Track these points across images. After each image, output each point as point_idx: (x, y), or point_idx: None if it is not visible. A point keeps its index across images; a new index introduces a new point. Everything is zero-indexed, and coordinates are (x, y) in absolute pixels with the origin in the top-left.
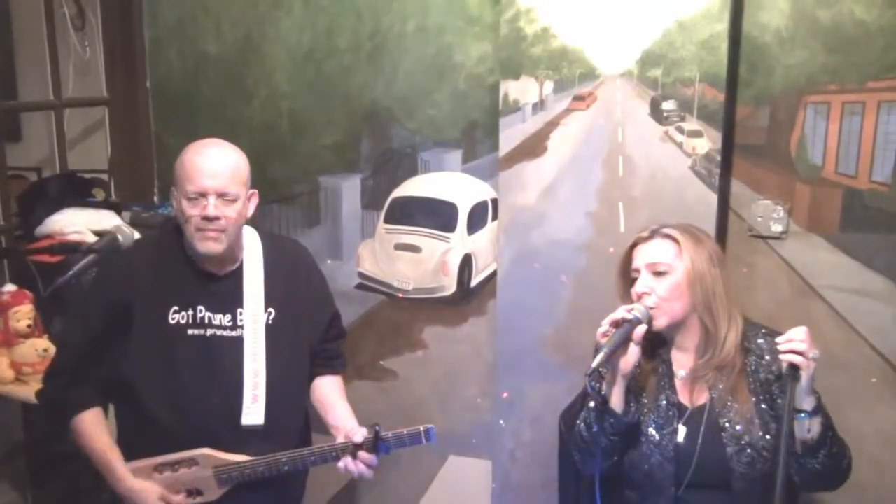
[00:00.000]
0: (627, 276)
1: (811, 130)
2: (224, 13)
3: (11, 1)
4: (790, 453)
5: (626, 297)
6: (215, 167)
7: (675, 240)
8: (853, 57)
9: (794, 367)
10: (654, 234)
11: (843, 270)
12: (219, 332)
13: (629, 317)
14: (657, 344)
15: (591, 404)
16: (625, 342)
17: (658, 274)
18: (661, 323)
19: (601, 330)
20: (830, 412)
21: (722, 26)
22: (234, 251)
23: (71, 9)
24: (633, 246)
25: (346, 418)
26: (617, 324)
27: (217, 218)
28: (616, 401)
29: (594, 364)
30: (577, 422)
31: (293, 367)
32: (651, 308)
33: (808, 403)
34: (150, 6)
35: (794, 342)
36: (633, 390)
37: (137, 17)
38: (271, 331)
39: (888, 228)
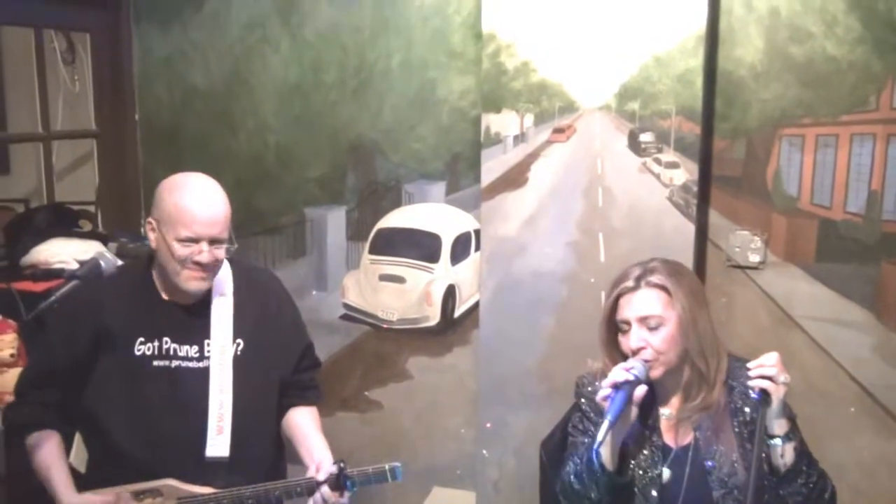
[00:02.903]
0: (612, 325)
1: (786, 162)
2: (212, 48)
3: (2, 35)
4: (767, 485)
5: (610, 346)
6: (212, 216)
7: (663, 288)
8: (826, 91)
9: (764, 392)
10: (639, 282)
11: (821, 300)
12: (184, 364)
13: (630, 377)
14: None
15: (593, 462)
16: (626, 404)
17: (651, 328)
18: (657, 373)
19: (601, 394)
20: (810, 442)
21: (697, 61)
22: None
23: (61, 43)
24: (619, 296)
25: (319, 450)
26: (617, 385)
27: (209, 262)
28: (609, 458)
29: (599, 437)
30: (567, 472)
31: (262, 398)
32: (647, 361)
33: (779, 428)
34: (139, 41)
35: (765, 367)
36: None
37: (127, 52)
38: (239, 362)
39: (863, 259)
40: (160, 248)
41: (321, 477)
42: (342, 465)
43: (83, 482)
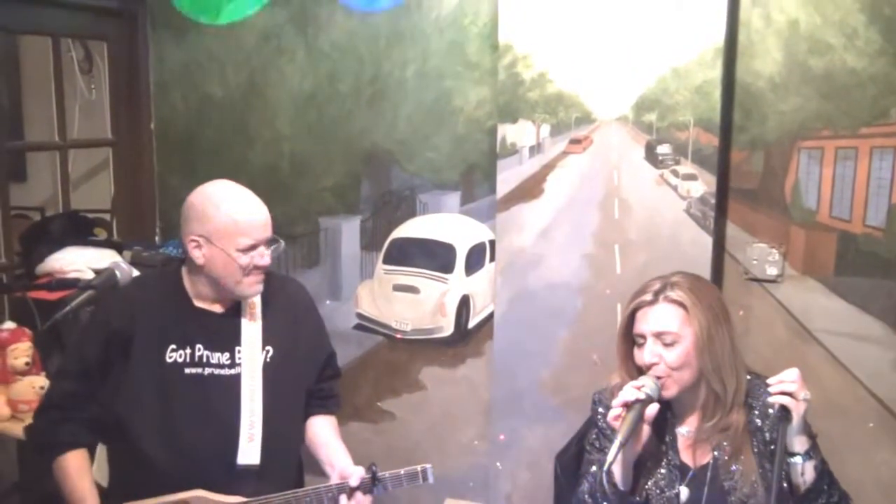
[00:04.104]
0: (629, 339)
1: (805, 175)
2: (228, 58)
3: (20, 44)
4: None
5: (628, 360)
6: (266, 219)
7: (681, 304)
8: (845, 104)
9: (784, 409)
10: (657, 297)
11: (839, 314)
12: (216, 371)
13: (641, 395)
14: (661, 403)
15: (604, 482)
16: (637, 423)
17: (666, 343)
18: (671, 393)
19: (613, 413)
20: (827, 457)
21: (715, 73)
22: None
23: (78, 52)
24: (636, 309)
25: (341, 457)
26: (628, 405)
27: (269, 263)
28: (622, 478)
29: (610, 457)
30: (582, 490)
31: (290, 406)
32: (660, 377)
33: (799, 445)
34: (156, 50)
35: (785, 383)
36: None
37: (143, 61)
38: (269, 369)
39: (883, 273)
40: (215, 261)
41: (354, 482)
42: (374, 468)
43: (107, 496)
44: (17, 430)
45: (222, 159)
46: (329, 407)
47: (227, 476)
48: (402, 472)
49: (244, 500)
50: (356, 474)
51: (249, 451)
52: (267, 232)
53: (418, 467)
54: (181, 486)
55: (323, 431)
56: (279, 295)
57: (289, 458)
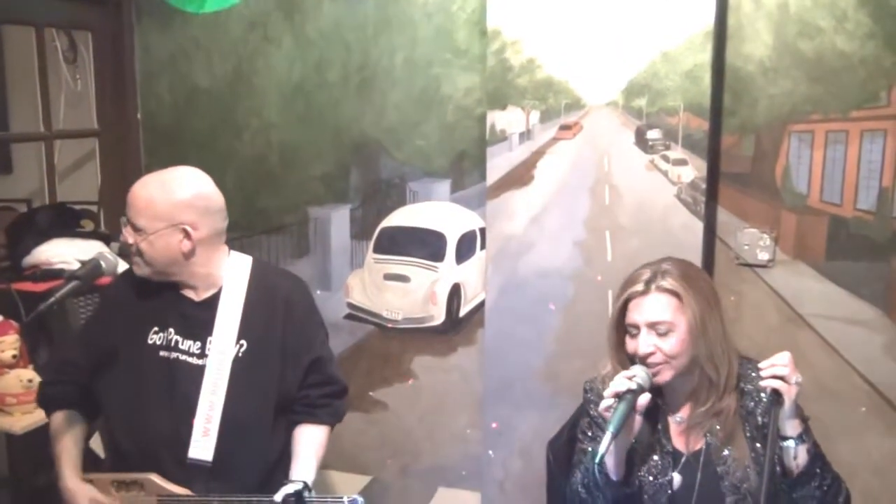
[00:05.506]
0: (621, 329)
1: (796, 159)
2: (215, 47)
3: (4, 34)
4: (780, 488)
5: (620, 350)
6: (130, 198)
7: (674, 293)
8: (836, 87)
9: (777, 393)
10: (648, 286)
11: (831, 299)
12: (182, 358)
13: (632, 386)
14: (653, 392)
15: (595, 471)
16: (629, 414)
17: (660, 333)
18: (665, 378)
19: (604, 404)
20: (820, 442)
21: (705, 57)
22: (207, 277)
23: (63, 42)
24: (628, 299)
25: (300, 473)
26: (619, 395)
27: (127, 244)
28: (614, 468)
29: (601, 450)
30: (575, 480)
31: (256, 405)
32: (657, 365)
33: (791, 429)
34: (141, 40)
35: (776, 367)
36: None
37: (129, 51)
38: (239, 364)
39: (874, 256)
40: None
41: (278, 498)
42: (300, 488)
43: (102, 468)
44: (4, 423)
45: (210, 149)
46: (317, 417)
47: (179, 468)
48: (329, 498)
49: (189, 493)
50: (283, 490)
51: (202, 446)
52: (129, 211)
53: (345, 498)
54: (139, 469)
55: (298, 442)
56: (265, 289)
57: (252, 458)
